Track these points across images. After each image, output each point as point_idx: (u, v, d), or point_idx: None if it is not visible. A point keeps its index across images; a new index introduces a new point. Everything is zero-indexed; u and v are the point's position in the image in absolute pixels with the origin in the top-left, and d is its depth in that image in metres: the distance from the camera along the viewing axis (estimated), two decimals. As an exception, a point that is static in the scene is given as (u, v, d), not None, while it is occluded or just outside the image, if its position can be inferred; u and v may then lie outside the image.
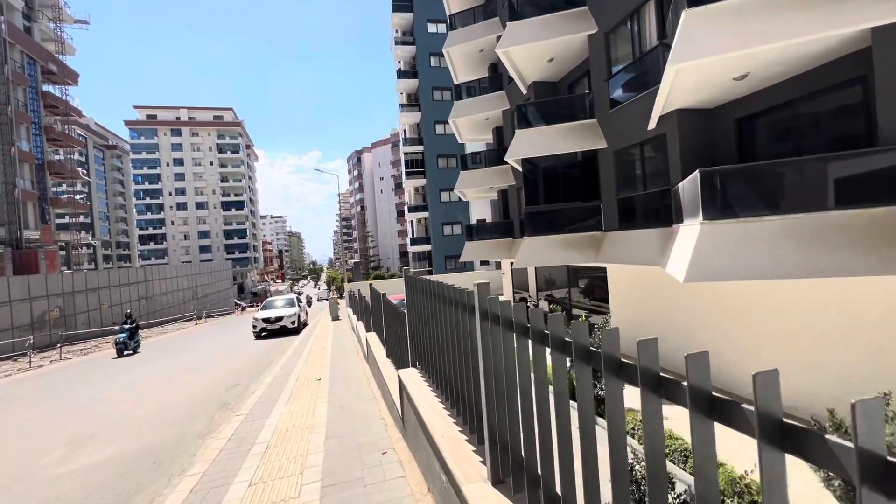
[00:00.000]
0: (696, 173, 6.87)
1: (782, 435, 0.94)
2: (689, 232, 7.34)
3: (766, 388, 0.96)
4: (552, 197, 13.68)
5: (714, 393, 1.11)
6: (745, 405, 1.02)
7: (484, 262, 39.22)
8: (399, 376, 4.82)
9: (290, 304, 20.55)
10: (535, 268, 18.51)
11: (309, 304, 50.10)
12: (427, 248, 43.88)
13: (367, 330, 10.58)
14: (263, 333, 18.63)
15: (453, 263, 41.77)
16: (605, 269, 13.41)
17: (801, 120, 7.96)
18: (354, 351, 12.28)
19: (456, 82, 21.56)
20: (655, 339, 1.27)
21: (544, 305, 17.64)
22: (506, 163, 19.50)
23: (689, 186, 7.73)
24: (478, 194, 22.47)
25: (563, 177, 13.66)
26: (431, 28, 42.63)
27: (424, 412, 3.51)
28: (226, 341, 19.05)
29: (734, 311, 8.70)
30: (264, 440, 5.45)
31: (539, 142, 13.29)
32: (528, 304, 18.21)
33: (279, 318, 18.78)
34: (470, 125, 21.23)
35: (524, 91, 16.03)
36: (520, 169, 14.82)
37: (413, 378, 4.56)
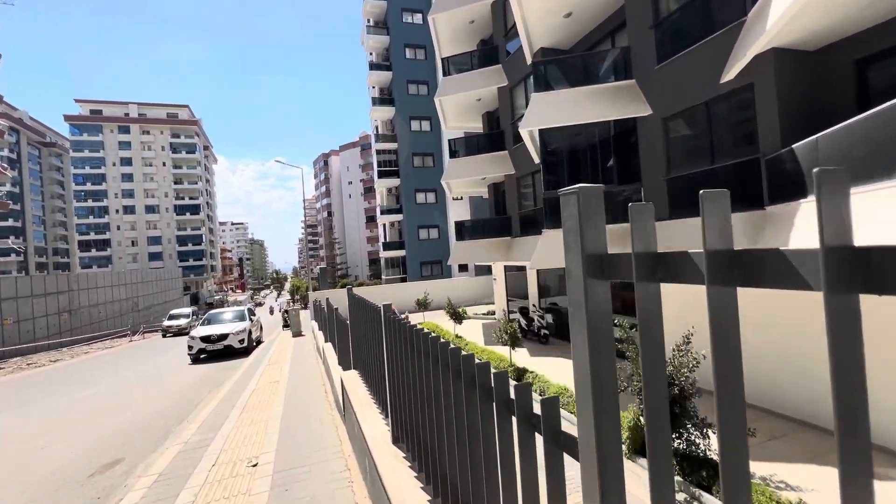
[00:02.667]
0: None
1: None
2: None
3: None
4: (578, 179, 10.79)
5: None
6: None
7: (463, 269, 36.09)
8: None
9: (240, 317, 16.71)
10: (537, 271, 15.58)
11: (271, 312, 45.72)
12: (401, 253, 40.48)
13: (345, 367, 6.39)
14: (202, 356, 14.74)
15: (430, 270, 38.50)
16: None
17: None
18: (322, 391, 8.79)
19: (440, 56, 18.58)
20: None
21: (548, 318, 14.67)
22: (502, 149, 16.65)
23: (857, 131, 4.94)
24: (467, 187, 19.42)
25: (592, 154, 10.82)
26: (406, 18, 39.76)
27: None
28: (152, 367, 15.00)
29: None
30: None
31: (562, 109, 10.41)
32: (534, 314, 15.24)
33: (223, 337, 14.90)
34: (458, 107, 18.26)
35: (530, 59, 13.20)
36: (533, 147, 11.90)
37: None
